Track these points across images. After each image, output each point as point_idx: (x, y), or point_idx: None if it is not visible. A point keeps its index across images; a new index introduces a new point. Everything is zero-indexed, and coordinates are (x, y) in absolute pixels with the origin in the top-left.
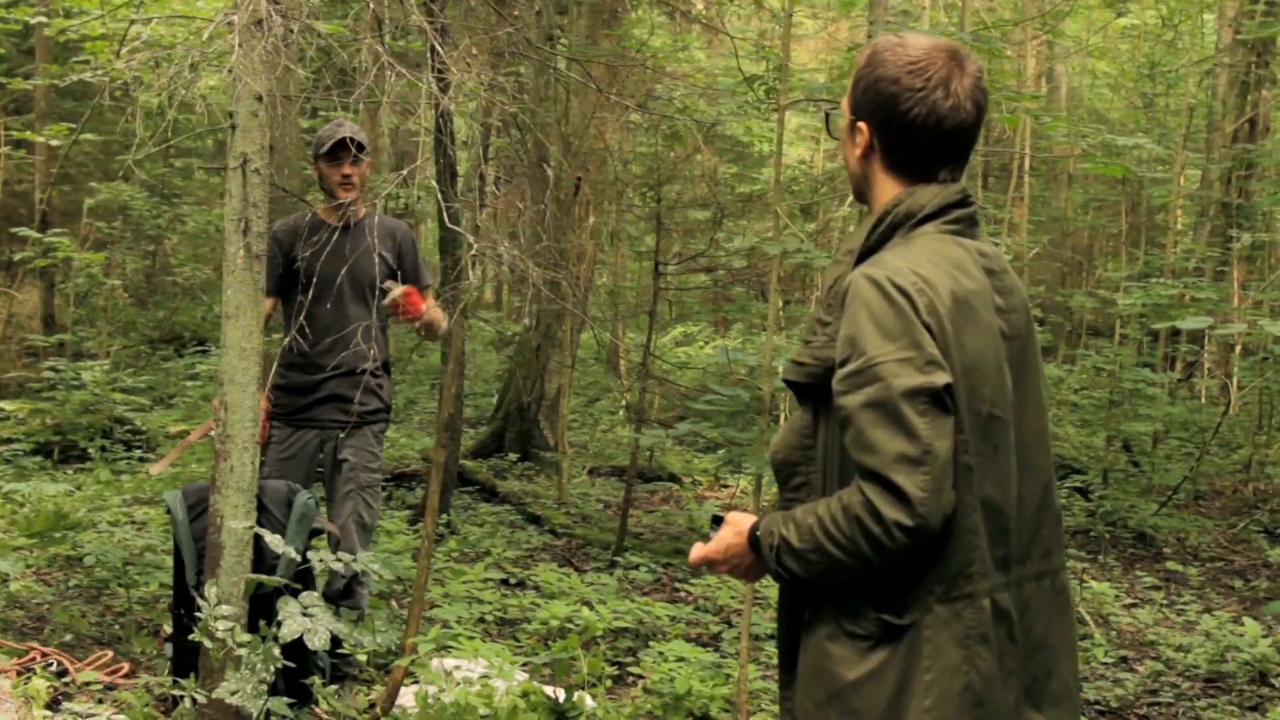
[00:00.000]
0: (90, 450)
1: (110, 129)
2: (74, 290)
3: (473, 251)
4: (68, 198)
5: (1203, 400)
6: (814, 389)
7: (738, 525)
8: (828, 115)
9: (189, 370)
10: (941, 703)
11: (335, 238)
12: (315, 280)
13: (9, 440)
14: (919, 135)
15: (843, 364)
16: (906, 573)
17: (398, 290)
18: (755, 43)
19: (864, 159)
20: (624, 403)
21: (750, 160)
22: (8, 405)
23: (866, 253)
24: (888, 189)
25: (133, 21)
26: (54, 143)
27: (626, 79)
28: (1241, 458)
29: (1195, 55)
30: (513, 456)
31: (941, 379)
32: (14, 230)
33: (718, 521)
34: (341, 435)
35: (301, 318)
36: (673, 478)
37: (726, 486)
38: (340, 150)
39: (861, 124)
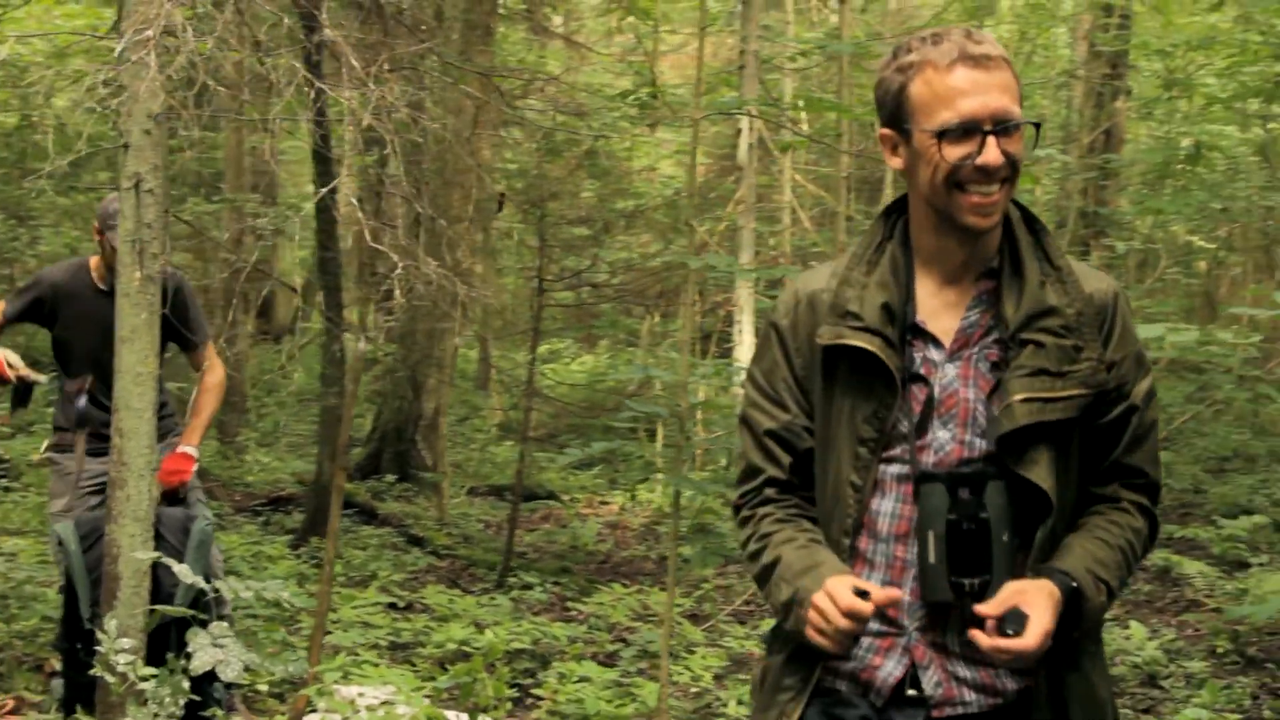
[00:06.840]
0: None
1: None
2: None
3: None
4: None
5: None
6: (1070, 422)
7: (1049, 591)
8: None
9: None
10: None
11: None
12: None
13: None
14: None
15: (1139, 380)
16: None
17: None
18: (619, 58)
19: None
20: (497, 421)
21: (615, 176)
22: None
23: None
24: None
25: None
26: None
27: (501, 95)
28: None
29: (1051, 69)
30: (390, 478)
31: None
32: None
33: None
34: None
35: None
36: (551, 495)
37: (607, 504)
38: None
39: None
